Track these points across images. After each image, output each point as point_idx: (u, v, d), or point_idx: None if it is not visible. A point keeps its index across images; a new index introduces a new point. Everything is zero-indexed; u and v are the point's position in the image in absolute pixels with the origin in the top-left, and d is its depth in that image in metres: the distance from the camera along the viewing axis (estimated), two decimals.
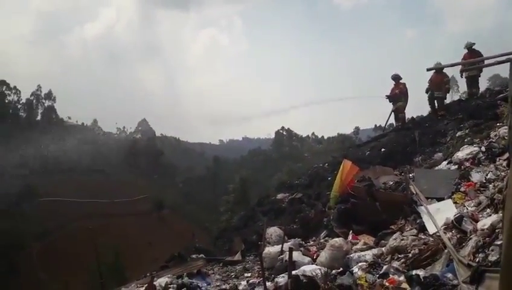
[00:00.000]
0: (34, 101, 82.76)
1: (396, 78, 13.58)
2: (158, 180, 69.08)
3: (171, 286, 8.09)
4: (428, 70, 11.62)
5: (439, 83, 12.99)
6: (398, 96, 13.33)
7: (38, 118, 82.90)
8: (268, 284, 6.44)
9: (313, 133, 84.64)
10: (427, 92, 13.20)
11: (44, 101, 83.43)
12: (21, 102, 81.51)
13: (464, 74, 12.80)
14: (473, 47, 12.55)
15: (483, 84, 13.87)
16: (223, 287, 7.67)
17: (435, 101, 13.06)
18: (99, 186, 57.00)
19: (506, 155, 7.01)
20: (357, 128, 75.77)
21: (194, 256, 11.41)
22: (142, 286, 8.09)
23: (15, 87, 79.86)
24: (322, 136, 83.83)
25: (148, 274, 9.96)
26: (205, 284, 8.09)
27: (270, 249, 8.40)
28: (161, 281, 8.27)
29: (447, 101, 15.59)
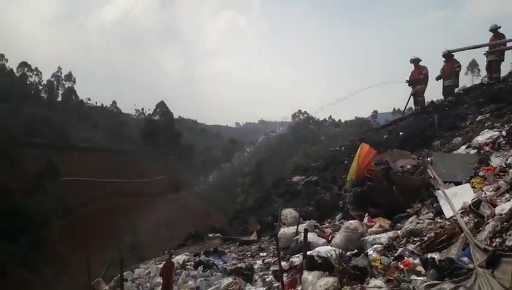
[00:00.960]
0: (55, 82, 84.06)
1: (416, 61, 13.29)
2: (176, 160, 69.88)
3: (189, 263, 8.30)
4: (450, 52, 11.36)
5: (449, 71, 12.73)
6: (421, 80, 13.07)
7: (59, 99, 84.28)
8: (283, 263, 6.55)
9: (330, 117, 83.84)
10: (437, 79, 13.01)
11: (64, 82, 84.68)
12: (42, 83, 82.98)
13: (487, 57, 12.46)
14: (498, 30, 12.14)
15: (507, 68, 13.42)
16: (239, 265, 7.83)
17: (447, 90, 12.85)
18: (119, 166, 58.03)
19: None
20: (375, 112, 74.68)
21: (210, 235, 11.65)
22: (160, 263, 8.31)
23: (36, 68, 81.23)
24: (339, 120, 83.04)
25: (166, 252, 10.22)
26: (221, 262, 8.27)
27: (286, 230, 8.52)
28: (179, 258, 8.49)
29: (468, 85, 15.25)
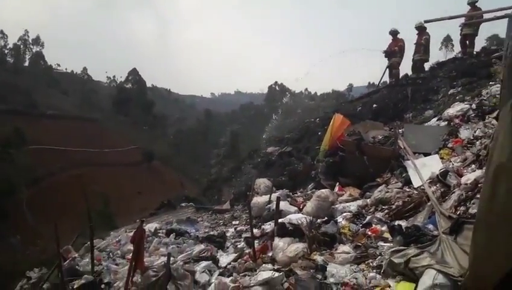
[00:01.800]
0: (22, 46, 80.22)
1: (394, 33, 13.29)
2: (148, 131, 68.86)
3: (160, 231, 8.29)
4: (426, 22, 11.39)
5: (417, 44, 12.80)
6: (397, 52, 13.10)
7: (26, 64, 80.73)
8: (255, 231, 6.60)
9: (306, 89, 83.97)
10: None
11: (32, 46, 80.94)
12: (8, 47, 79.01)
13: (462, 30, 12.54)
14: (476, 4, 12.18)
15: (480, 43, 13.58)
16: (211, 233, 7.87)
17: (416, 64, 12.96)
18: (89, 135, 56.68)
19: (496, 113, 7.04)
20: (350, 85, 75.18)
21: (183, 204, 11.65)
22: (131, 231, 8.24)
23: (1, 31, 77.12)
24: (315, 93, 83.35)
25: (137, 221, 10.15)
26: (194, 230, 8.29)
27: (258, 199, 8.57)
28: (150, 226, 8.46)
29: (442, 59, 15.43)
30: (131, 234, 7.56)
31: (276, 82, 77.85)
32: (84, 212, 7.39)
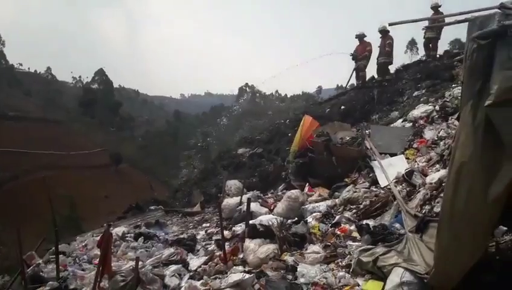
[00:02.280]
0: None
1: (360, 36, 13.57)
2: (116, 132, 67.37)
3: (128, 235, 8.11)
4: (390, 24, 11.66)
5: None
6: (367, 56, 13.35)
7: None
8: (226, 233, 6.58)
9: (276, 91, 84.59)
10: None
11: None
12: None
13: (425, 34, 12.95)
14: (439, 8, 12.59)
15: (443, 46, 14.06)
16: (181, 236, 7.76)
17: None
18: (54, 137, 54.82)
19: (458, 114, 7.31)
20: (319, 88, 76.20)
21: (152, 207, 11.43)
22: (98, 236, 8.02)
23: None
24: (286, 94, 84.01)
25: (104, 224, 9.89)
26: (163, 234, 8.15)
27: (229, 201, 8.54)
28: (118, 230, 8.25)
29: (407, 62, 15.86)
30: (98, 238, 7.37)
31: (246, 83, 78.03)
32: (49, 217, 7.13)
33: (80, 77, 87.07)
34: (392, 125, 9.07)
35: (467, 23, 4.20)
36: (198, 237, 7.59)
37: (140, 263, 5.52)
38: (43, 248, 8.58)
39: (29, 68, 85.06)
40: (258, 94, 77.10)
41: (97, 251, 6.82)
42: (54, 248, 6.71)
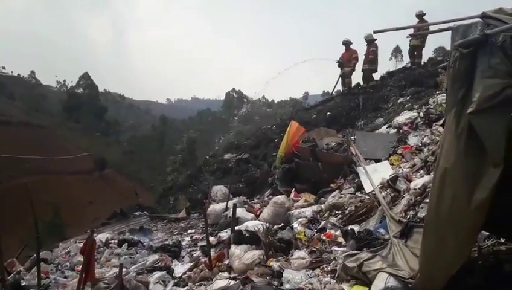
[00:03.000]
0: None
1: (347, 43, 13.71)
2: (101, 137, 66.59)
3: (112, 241, 7.99)
4: (375, 32, 11.80)
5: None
6: (354, 63, 13.49)
7: None
8: (211, 239, 6.53)
9: (263, 97, 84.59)
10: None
11: None
12: None
13: (410, 41, 13.16)
14: (423, 16, 12.80)
15: (428, 54, 14.33)
16: (166, 242, 7.68)
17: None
18: (38, 142, 53.92)
19: (442, 121, 7.43)
20: (306, 94, 76.58)
21: (136, 213, 11.30)
22: (81, 242, 7.88)
23: None
24: (273, 100, 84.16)
25: (88, 231, 9.74)
26: (147, 240, 8.06)
27: (215, 207, 8.51)
28: (102, 237, 8.13)
29: (392, 69, 16.10)
30: (81, 245, 7.24)
31: (233, 88, 77.88)
32: (31, 223, 6.98)
33: (64, 81, 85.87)
34: (377, 131, 9.17)
35: (450, 31, 4.28)
36: (184, 243, 7.53)
37: (124, 269, 5.45)
38: (24, 255, 8.39)
39: (12, 72, 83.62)
40: (245, 99, 76.93)
41: (80, 258, 6.71)
42: (35, 255, 6.56)
